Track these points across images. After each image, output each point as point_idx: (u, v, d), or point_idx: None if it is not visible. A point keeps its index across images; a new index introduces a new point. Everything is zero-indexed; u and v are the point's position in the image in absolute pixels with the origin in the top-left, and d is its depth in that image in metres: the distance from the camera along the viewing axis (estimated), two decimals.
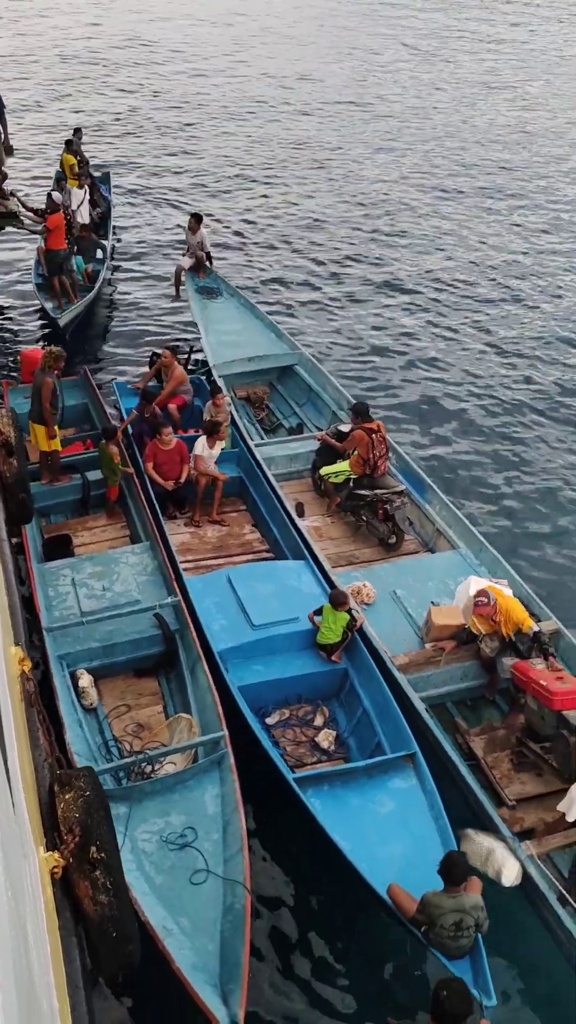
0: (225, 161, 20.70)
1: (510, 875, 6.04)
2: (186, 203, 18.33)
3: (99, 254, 14.54)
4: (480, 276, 16.18)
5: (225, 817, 5.98)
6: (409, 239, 17.38)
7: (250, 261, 16.30)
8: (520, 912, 6.13)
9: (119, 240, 16.58)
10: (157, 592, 7.95)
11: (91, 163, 17.21)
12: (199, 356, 12.19)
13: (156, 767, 6.52)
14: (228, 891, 5.50)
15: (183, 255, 13.75)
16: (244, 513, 9.75)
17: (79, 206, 14.53)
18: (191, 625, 7.56)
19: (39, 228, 13.07)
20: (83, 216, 14.65)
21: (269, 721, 7.33)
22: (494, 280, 16.09)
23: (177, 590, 7.85)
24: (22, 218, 13.53)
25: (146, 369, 11.51)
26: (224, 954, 5.14)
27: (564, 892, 5.99)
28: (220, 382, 10.91)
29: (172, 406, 10.30)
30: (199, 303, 12.70)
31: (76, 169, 15.45)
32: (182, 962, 4.95)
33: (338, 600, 7.48)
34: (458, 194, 19.67)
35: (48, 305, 13.06)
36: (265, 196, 19.02)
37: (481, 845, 6.21)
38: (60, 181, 15.18)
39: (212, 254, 13.83)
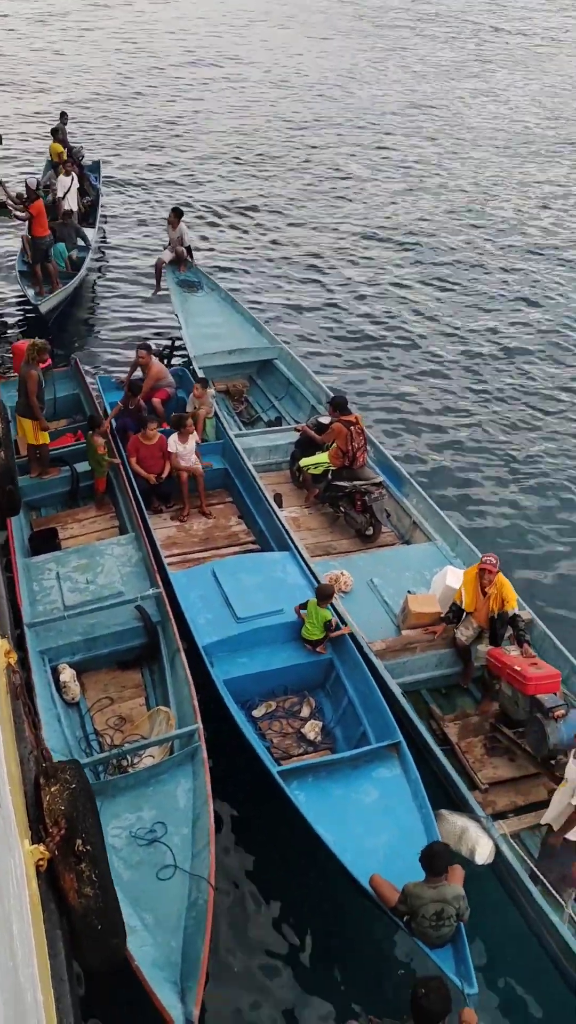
0: (215, 156, 20.49)
1: (483, 853, 6.06)
2: (174, 194, 18.14)
3: (81, 241, 14.35)
4: (458, 274, 16.14)
5: (195, 811, 5.88)
6: (392, 236, 17.28)
7: (233, 255, 16.15)
8: (492, 889, 6.15)
9: (105, 232, 16.36)
10: (140, 584, 7.79)
11: (82, 151, 16.93)
12: (181, 347, 12.08)
13: (135, 760, 6.39)
14: (193, 886, 5.39)
15: (164, 249, 13.60)
16: (230, 505, 9.58)
17: (65, 194, 14.34)
18: (172, 617, 7.42)
19: (24, 215, 12.88)
20: (71, 203, 14.45)
21: (256, 713, 7.22)
22: (474, 278, 16.07)
23: (159, 582, 7.71)
24: (8, 206, 13.28)
25: (131, 361, 11.37)
26: (186, 950, 5.04)
27: (535, 869, 6.03)
28: (201, 375, 10.81)
29: (156, 400, 10.15)
30: (180, 296, 12.57)
31: (64, 157, 15.23)
32: (142, 960, 4.80)
33: (324, 594, 7.37)
34: (444, 189, 19.62)
35: (30, 292, 12.89)
36: (252, 192, 18.84)
37: (455, 824, 6.22)
38: (56, 167, 14.94)
39: (193, 248, 13.70)
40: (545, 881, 5.96)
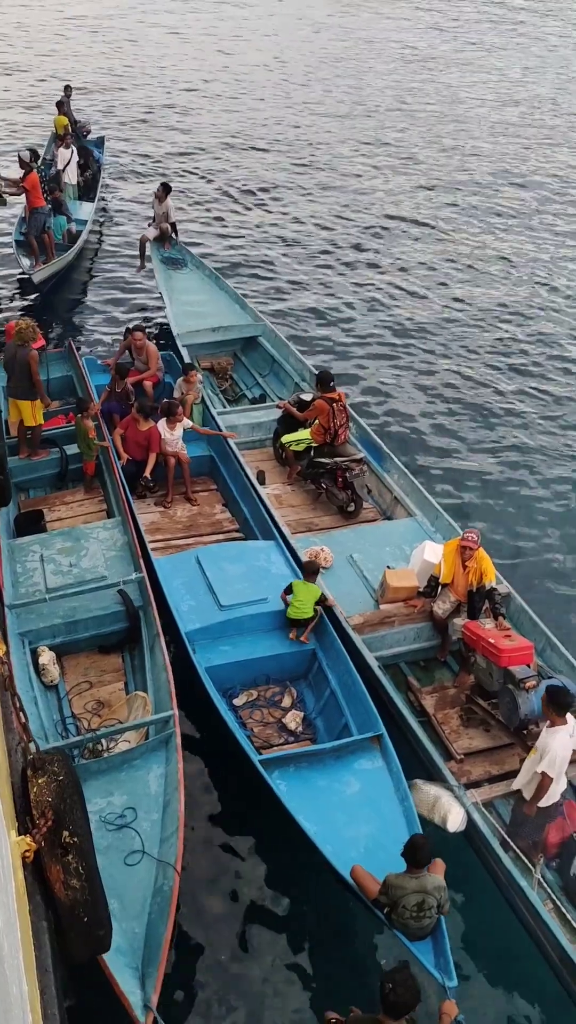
0: (218, 137, 20.09)
1: (455, 821, 6.04)
2: (175, 171, 17.79)
3: (83, 214, 14.00)
4: (446, 251, 15.88)
5: (166, 797, 5.68)
6: (378, 215, 17.00)
7: (219, 232, 15.82)
8: (464, 857, 6.16)
9: (106, 208, 15.95)
10: (124, 568, 7.55)
11: (88, 125, 16.65)
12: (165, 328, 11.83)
13: (111, 745, 6.20)
14: (160, 872, 5.21)
15: (149, 225, 13.27)
16: (215, 492, 9.32)
17: (65, 167, 13.98)
18: (154, 602, 7.19)
19: (16, 191, 12.57)
20: (70, 176, 14.14)
21: (236, 702, 7.02)
22: (458, 255, 15.82)
23: (143, 567, 7.47)
24: (3, 193, 12.90)
25: (119, 341, 11.08)
26: (148, 936, 4.84)
27: (506, 837, 6.05)
28: (184, 352, 10.59)
29: (147, 384, 9.85)
30: (164, 273, 12.28)
31: (70, 130, 14.87)
32: None
33: (311, 569, 7.18)
34: (433, 170, 19.29)
35: (25, 262, 12.61)
36: (243, 171, 18.46)
37: (428, 793, 6.19)
38: (62, 138, 14.61)
39: (178, 224, 13.38)
40: (515, 848, 6.02)
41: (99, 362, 10.54)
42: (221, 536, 8.64)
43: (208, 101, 22.38)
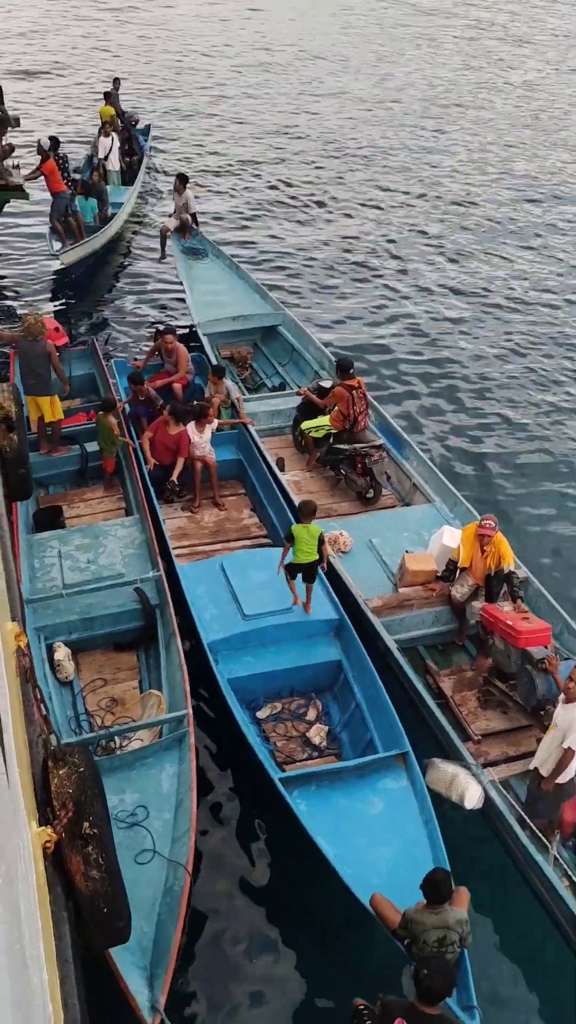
0: (252, 128, 19.89)
1: (472, 798, 5.94)
2: (215, 162, 17.66)
3: (121, 199, 13.94)
4: (464, 238, 15.56)
5: (179, 797, 5.47)
6: (398, 208, 16.68)
7: (241, 223, 15.60)
8: (481, 834, 6.12)
9: (148, 200, 15.85)
10: (141, 566, 7.33)
11: (136, 115, 16.62)
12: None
13: (124, 743, 6.02)
14: (171, 872, 5.00)
15: (169, 216, 13.13)
16: (243, 497, 8.94)
17: (107, 155, 13.99)
18: (170, 601, 6.94)
19: (36, 177, 12.52)
20: (112, 163, 14.16)
21: (260, 715, 6.69)
22: (478, 242, 15.49)
23: (160, 565, 7.25)
24: (26, 182, 12.80)
25: (147, 339, 10.92)
26: (157, 936, 4.66)
27: (523, 814, 5.99)
28: (205, 340, 10.47)
29: (176, 385, 9.60)
30: (185, 264, 12.16)
31: (116, 120, 14.83)
32: None
33: (308, 510, 6.79)
34: (451, 159, 18.92)
35: (55, 245, 12.55)
36: (275, 163, 18.21)
37: (445, 771, 6.09)
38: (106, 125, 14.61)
39: (198, 215, 13.22)
40: (531, 825, 5.95)
41: (129, 364, 10.25)
42: (248, 542, 8.31)
43: (251, 93, 22.16)
